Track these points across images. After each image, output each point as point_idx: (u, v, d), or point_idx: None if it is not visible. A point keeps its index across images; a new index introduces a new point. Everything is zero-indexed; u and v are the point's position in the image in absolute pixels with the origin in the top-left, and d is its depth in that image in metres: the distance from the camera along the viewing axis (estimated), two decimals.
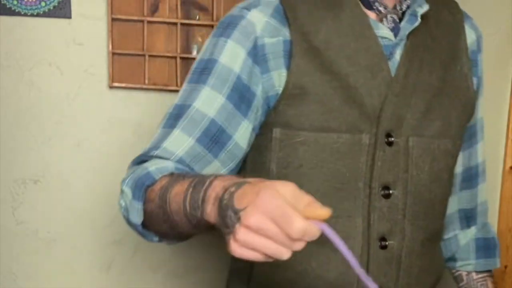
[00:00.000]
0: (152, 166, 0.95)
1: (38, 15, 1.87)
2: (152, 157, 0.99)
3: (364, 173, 1.04)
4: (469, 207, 1.28)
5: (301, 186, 0.97)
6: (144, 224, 0.95)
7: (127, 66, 1.93)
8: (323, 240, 1.03)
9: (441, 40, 1.12)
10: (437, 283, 1.22)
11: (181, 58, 1.94)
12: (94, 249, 2.00)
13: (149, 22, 1.91)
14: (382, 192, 1.05)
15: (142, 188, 0.92)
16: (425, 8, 1.07)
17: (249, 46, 1.01)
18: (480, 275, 1.29)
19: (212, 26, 1.94)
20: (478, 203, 1.28)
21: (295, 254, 0.94)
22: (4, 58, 1.88)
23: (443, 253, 1.28)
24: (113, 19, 1.88)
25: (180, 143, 0.99)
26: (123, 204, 1.00)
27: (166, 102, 1.95)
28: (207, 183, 0.78)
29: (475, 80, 1.17)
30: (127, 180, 0.99)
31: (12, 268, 1.98)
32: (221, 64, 1.01)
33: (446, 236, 1.29)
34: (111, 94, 1.94)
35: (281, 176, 1.04)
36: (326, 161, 1.03)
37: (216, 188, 0.76)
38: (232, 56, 1.01)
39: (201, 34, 1.96)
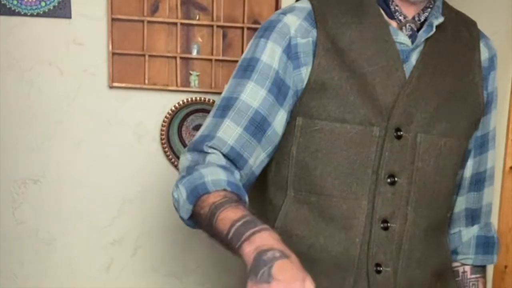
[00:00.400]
0: (208, 176, 1.07)
1: (38, 15, 1.87)
2: (207, 147, 1.14)
3: (372, 161, 1.17)
4: (475, 207, 1.36)
5: (315, 168, 1.16)
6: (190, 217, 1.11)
7: (127, 66, 1.93)
8: (330, 218, 1.17)
9: (457, 52, 1.24)
10: (441, 274, 1.30)
11: (181, 58, 1.94)
12: (94, 249, 2.00)
13: (149, 22, 1.91)
14: (388, 180, 1.17)
15: (197, 196, 1.07)
16: (440, 20, 1.20)
17: (285, 45, 1.16)
18: (473, 276, 1.37)
19: (212, 26, 1.94)
20: (483, 204, 1.37)
21: (306, 230, 1.18)
22: (4, 58, 1.88)
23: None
24: (113, 19, 1.88)
25: (231, 132, 1.15)
26: (176, 197, 1.12)
27: (166, 102, 1.95)
28: (257, 228, 0.93)
29: (485, 92, 1.29)
30: (184, 180, 1.10)
31: (12, 268, 1.98)
32: (263, 62, 1.16)
33: (452, 231, 1.37)
34: (111, 94, 1.94)
35: (299, 157, 1.19)
36: (339, 148, 1.16)
37: (263, 240, 0.91)
38: (271, 54, 1.16)
39: (201, 34, 1.97)
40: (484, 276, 1.38)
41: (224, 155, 1.15)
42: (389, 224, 1.18)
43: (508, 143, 2.06)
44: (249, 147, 1.16)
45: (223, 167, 1.12)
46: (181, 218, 1.12)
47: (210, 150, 1.14)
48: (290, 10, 1.19)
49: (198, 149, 1.15)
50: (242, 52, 1.94)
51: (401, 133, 1.16)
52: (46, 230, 1.97)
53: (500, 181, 2.06)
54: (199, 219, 1.07)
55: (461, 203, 1.36)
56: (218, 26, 1.94)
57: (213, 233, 1.02)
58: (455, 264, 1.38)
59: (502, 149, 2.07)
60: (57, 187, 1.96)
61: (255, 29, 1.94)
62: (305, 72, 1.16)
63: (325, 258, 1.19)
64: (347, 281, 1.19)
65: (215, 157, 1.13)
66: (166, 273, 2.05)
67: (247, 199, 1.11)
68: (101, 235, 2.00)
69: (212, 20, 1.94)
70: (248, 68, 1.17)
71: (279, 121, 1.18)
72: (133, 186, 1.99)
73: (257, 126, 1.16)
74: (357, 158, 1.16)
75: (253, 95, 1.16)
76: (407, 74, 1.17)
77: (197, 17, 1.95)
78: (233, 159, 1.15)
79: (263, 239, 0.91)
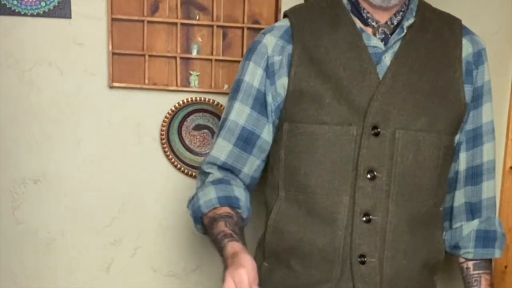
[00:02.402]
0: (201, 199, 1.29)
1: (38, 15, 1.87)
2: (206, 164, 1.35)
3: (352, 158, 1.25)
4: (474, 201, 1.40)
5: (300, 168, 1.28)
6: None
7: (127, 66, 1.93)
8: (316, 213, 1.27)
9: (436, 50, 1.31)
10: (436, 267, 1.37)
11: (181, 58, 1.94)
12: (94, 249, 2.00)
13: (149, 22, 1.91)
14: (368, 175, 1.25)
15: (197, 218, 1.32)
16: (410, 21, 1.29)
17: (264, 64, 1.30)
18: (476, 271, 1.40)
19: (212, 26, 1.94)
20: (483, 199, 1.40)
21: (295, 226, 1.29)
22: (4, 58, 1.88)
23: (449, 241, 1.42)
24: (113, 19, 1.88)
25: (222, 149, 1.33)
26: (190, 218, 1.36)
27: (166, 102, 1.95)
28: (222, 245, 1.18)
29: (468, 87, 1.33)
30: (190, 205, 1.34)
31: (12, 268, 1.98)
32: (246, 82, 1.32)
33: (454, 226, 1.42)
34: (111, 94, 1.94)
35: (287, 160, 1.31)
36: (320, 148, 1.26)
37: (224, 255, 1.16)
38: (252, 74, 1.31)
39: (201, 34, 1.97)
40: (488, 273, 1.41)
41: (221, 167, 1.33)
42: (371, 217, 1.26)
43: (508, 143, 2.06)
44: (241, 159, 1.33)
45: (217, 182, 1.31)
46: (199, 232, 1.36)
47: (208, 168, 1.34)
48: (270, 29, 1.34)
49: (202, 168, 1.36)
50: (242, 52, 1.96)
51: (379, 130, 1.24)
52: (46, 230, 1.97)
53: (500, 181, 2.06)
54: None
55: (460, 197, 1.40)
56: (218, 26, 1.94)
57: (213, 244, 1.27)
58: (460, 260, 1.43)
59: (502, 149, 2.07)
60: (57, 187, 1.96)
61: (255, 29, 1.95)
62: (280, 86, 1.29)
63: (313, 251, 1.29)
64: (334, 272, 1.28)
65: (212, 176, 1.33)
66: (166, 273, 2.05)
67: (241, 202, 1.30)
68: (101, 235, 2.00)
69: (212, 20, 1.94)
70: (236, 89, 1.34)
71: (266, 132, 1.33)
72: (133, 186, 1.99)
73: (246, 140, 1.32)
74: (337, 156, 1.25)
75: (239, 113, 1.32)
76: (382, 75, 1.26)
77: (197, 17, 1.95)
78: (229, 170, 1.34)
79: (229, 248, 1.15)
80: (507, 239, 1.45)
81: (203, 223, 1.31)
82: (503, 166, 2.07)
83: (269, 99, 1.30)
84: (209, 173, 1.34)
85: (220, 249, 1.17)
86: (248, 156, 1.34)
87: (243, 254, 1.10)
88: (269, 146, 1.35)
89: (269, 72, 1.30)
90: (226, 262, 1.13)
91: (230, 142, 1.33)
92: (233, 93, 1.35)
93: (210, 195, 1.29)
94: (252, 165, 1.35)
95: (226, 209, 1.27)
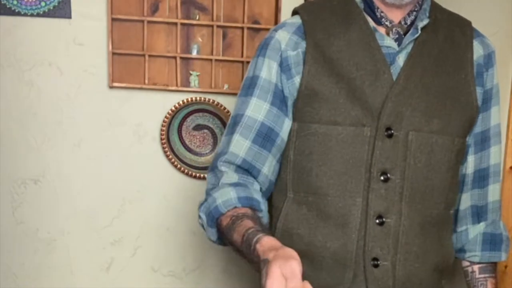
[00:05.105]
0: (219, 199, 1.19)
1: (38, 15, 1.87)
2: (221, 163, 1.26)
3: (365, 160, 1.22)
4: (480, 204, 1.39)
5: (311, 169, 1.24)
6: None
7: (127, 66, 1.93)
8: (327, 216, 1.23)
9: (448, 52, 1.29)
10: (445, 271, 1.35)
11: (181, 58, 1.94)
12: (94, 249, 2.00)
13: (149, 22, 1.91)
14: (381, 177, 1.23)
15: (214, 219, 1.20)
16: (425, 22, 1.27)
17: (278, 59, 1.27)
18: (481, 275, 1.39)
19: (212, 26, 1.94)
20: (489, 202, 1.38)
21: (305, 228, 1.25)
22: (4, 58, 1.88)
23: (455, 244, 1.40)
24: (113, 19, 1.88)
25: (240, 145, 1.25)
26: (201, 222, 1.25)
27: (166, 102, 1.95)
28: (254, 241, 1.04)
29: (479, 89, 1.32)
30: (202, 207, 1.23)
31: (12, 268, 1.98)
32: (262, 78, 1.27)
33: (459, 229, 1.40)
34: (111, 94, 1.94)
35: (296, 160, 1.27)
36: (333, 149, 1.23)
37: (260, 249, 1.02)
38: (268, 70, 1.27)
39: (201, 34, 1.97)
40: (493, 276, 1.40)
41: (239, 167, 1.25)
42: (384, 220, 1.23)
43: (508, 143, 2.05)
44: (260, 157, 1.26)
45: (235, 184, 1.22)
46: (210, 239, 1.25)
47: (223, 167, 1.25)
48: (282, 26, 1.30)
49: (214, 168, 1.27)
50: (242, 52, 1.96)
51: (392, 131, 1.22)
52: (46, 230, 1.97)
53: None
54: (224, 238, 1.19)
55: (466, 201, 1.39)
56: (218, 26, 1.95)
57: (234, 248, 1.15)
58: (464, 263, 1.41)
59: (502, 149, 2.06)
60: (57, 187, 1.96)
61: (255, 29, 1.95)
62: (297, 81, 1.25)
63: (324, 254, 1.25)
64: (347, 275, 1.25)
65: (227, 177, 1.24)
66: (166, 273, 2.05)
67: (262, 205, 1.22)
68: (101, 235, 2.00)
69: (212, 20, 1.94)
70: (250, 86, 1.28)
71: (285, 130, 1.27)
72: (133, 186, 1.99)
73: (265, 137, 1.26)
74: (350, 157, 1.23)
75: (257, 109, 1.26)
76: (395, 76, 1.24)
77: (197, 17, 1.95)
78: (247, 170, 1.25)
79: (259, 249, 1.02)
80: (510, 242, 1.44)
81: (218, 227, 1.21)
82: (503, 166, 2.07)
83: (287, 94, 1.26)
84: (224, 172, 1.25)
85: (250, 246, 1.05)
86: (267, 154, 1.26)
87: (288, 248, 0.98)
88: (284, 145, 1.28)
89: (284, 67, 1.26)
90: (266, 256, 0.98)
91: (248, 138, 1.25)
92: (247, 89, 1.29)
93: (229, 195, 1.20)
94: (270, 165, 1.28)
95: (248, 210, 1.18)
